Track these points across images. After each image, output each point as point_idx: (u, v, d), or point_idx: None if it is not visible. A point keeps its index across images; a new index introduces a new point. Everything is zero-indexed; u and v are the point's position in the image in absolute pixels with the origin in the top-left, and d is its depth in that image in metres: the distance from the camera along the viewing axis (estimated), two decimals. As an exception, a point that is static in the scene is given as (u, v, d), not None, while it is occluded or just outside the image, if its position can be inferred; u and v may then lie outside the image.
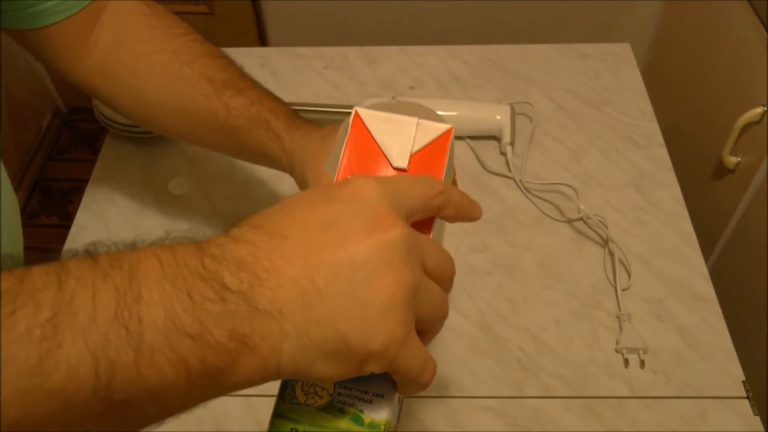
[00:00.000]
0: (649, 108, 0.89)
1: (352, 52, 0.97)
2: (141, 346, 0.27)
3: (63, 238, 0.76)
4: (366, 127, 0.40)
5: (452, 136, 0.41)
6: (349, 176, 0.35)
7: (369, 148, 0.40)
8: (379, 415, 0.36)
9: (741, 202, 0.98)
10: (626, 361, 0.65)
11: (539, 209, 0.78)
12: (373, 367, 0.32)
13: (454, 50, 0.97)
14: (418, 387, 0.34)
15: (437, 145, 0.40)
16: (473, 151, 0.84)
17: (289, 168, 0.56)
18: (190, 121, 0.58)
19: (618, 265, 0.71)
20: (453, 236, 0.75)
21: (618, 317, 0.68)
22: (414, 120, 0.40)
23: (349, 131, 0.40)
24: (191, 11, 1.59)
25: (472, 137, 0.85)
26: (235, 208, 0.78)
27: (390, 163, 0.40)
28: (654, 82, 1.14)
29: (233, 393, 0.31)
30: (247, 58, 0.96)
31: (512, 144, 0.82)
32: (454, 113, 0.85)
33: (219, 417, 0.62)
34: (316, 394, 0.36)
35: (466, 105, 0.86)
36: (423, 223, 0.37)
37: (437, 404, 0.63)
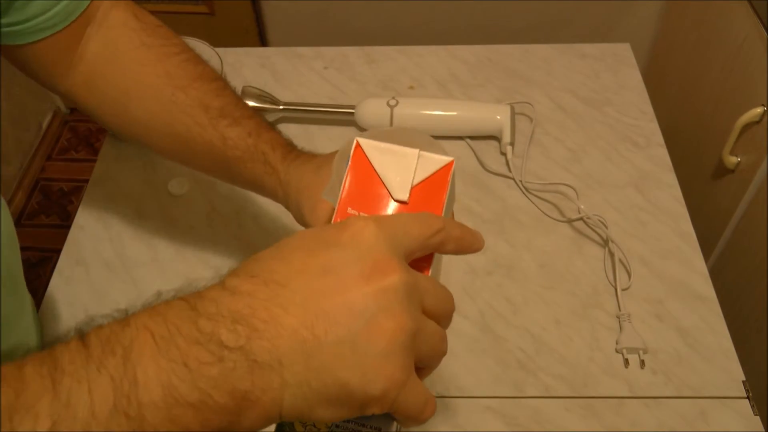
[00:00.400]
0: (649, 108, 0.89)
1: (352, 52, 0.97)
2: (143, 427, 0.28)
3: (63, 238, 0.76)
4: (367, 157, 0.40)
5: (453, 168, 0.41)
6: (348, 217, 0.35)
7: (370, 179, 0.40)
8: None
9: (741, 202, 0.98)
10: (626, 361, 0.65)
11: (539, 209, 0.78)
12: (374, 410, 0.32)
13: (454, 50, 0.97)
14: (418, 423, 0.35)
15: (438, 177, 0.40)
16: (473, 151, 0.84)
17: (284, 199, 0.56)
18: (183, 147, 0.57)
19: (618, 265, 0.71)
20: (453, 236, 0.75)
21: (618, 317, 0.68)
22: (416, 152, 0.40)
23: (350, 162, 0.40)
24: (191, 11, 1.59)
25: (472, 137, 0.85)
26: (235, 208, 0.78)
27: (391, 195, 0.40)
28: (654, 82, 1.14)
29: None
30: (247, 58, 0.96)
31: (512, 144, 0.82)
32: (454, 113, 0.85)
33: None
34: (314, 426, 0.37)
35: (466, 105, 0.86)
36: (423, 259, 0.37)
37: (437, 404, 0.63)
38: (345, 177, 0.40)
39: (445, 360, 0.66)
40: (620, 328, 0.67)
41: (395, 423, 0.37)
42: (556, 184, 0.79)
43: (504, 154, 0.83)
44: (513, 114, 0.84)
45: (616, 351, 0.66)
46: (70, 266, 0.74)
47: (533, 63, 0.95)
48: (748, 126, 0.94)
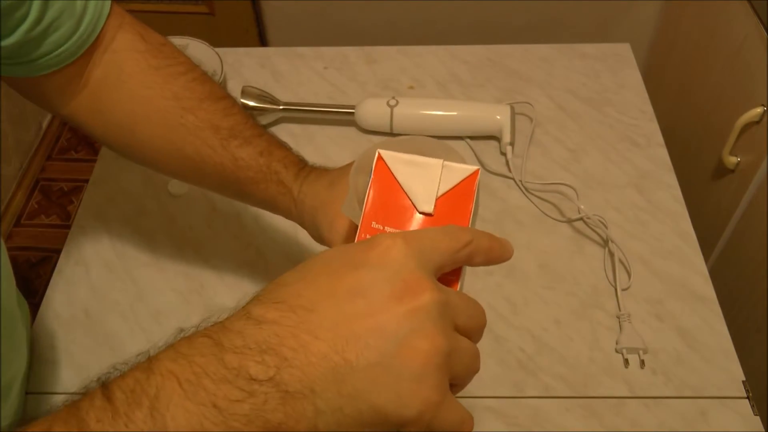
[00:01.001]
0: (648, 108, 0.89)
1: (352, 52, 0.97)
2: None
3: (63, 238, 0.76)
4: (390, 169, 0.39)
5: (479, 177, 0.39)
6: (374, 235, 0.34)
7: (393, 191, 0.39)
8: None
9: (741, 202, 0.98)
10: (626, 361, 0.65)
11: (539, 209, 0.78)
12: (411, 429, 0.31)
13: (454, 50, 0.97)
14: None
15: (464, 187, 0.39)
16: (473, 151, 0.84)
17: (298, 218, 0.55)
18: (193, 169, 0.57)
19: (618, 265, 0.71)
20: (453, 236, 0.75)
21: (618, 317, 0.68)
22: (439, 162, 0.39)
23: (372, 174, 0.39)
24: (191, 11, 1.59)
25: (472, 137, 0.85)
26: (236, 208, 0.78)
27: (415, 207, 0.39)
28: (654, 82, 1.14)
29: None
30: (247, 58, 0.96)
31: (512, 144, 0.82)
32: (454, 113, 0.85)
33: None
34: None
35: (466, 105, 0.86)
36: (451, 273, 0.36)
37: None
38: (368, 190, 0.39)
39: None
40: (620, 328, 0.67)
41: None
42: (556, 184, 0.79)
43: (504, 154, 0.83)
44: (513, 114, 0.84)
45: (616, 351, 0.66)
46: (70, 266, 0.74)
47: (533, 63, 0.95)
48: (748, 126, 0.94)
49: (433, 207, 0.39)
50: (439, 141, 0.45)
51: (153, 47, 0.55)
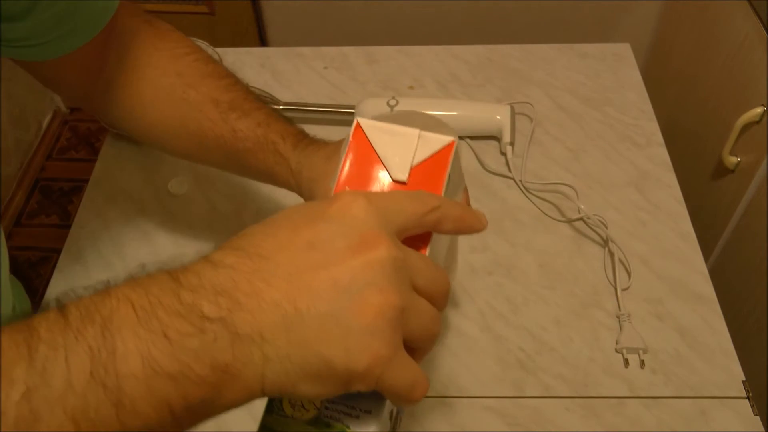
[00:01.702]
0: (648, 108, 0.89)
1: (352, 52, 0.97)
2: (121, 400, 0.27)
3: (63, 238, 0.76)
4: (367, 138, 0.40)
5: (455, 148, 0.40)
6: (337, 192, 0.34)
7: (369, 159, 0.39)
8: (367, 430, 0.35)
9: (741, 202, 0.98)
10: (626, 361, 0.65)
11: (539, 209, 0.78)
12: (359, 387, 0.31)
13: (454, 50, 0.97)
14: (408, 403, 0.34)
15: (439, 157, 0.39)
16: (473, 151, 0.84)
17: (297, 189, 0.55)
18: (196, 144, 0.58)
19: (618, 265, 0.71)
20: (453, 236, 0.75)
21: (618, 317, 0.68)
22: (416, 132, 0.39)
23: (349, 142, 0.40)
24: (191, 11, 1.59)
25: (472, 137, 0.85)
26: (235, 208, 0.78)
27: (390, 176, 0.39)
28: (654, 82, 1.14)
29: None
30: (247, 58, 0.96)
31: (512, 144, 0.82)
32: (454, 113, 0.85)
33: (219, 417, 0.62)
34: (303, 407, 0.36)
35: (466, 105, 0.86)
36: (420, 238, 0.36)
37: (437, 404, 0.63)
38: (344, 157, 0.39)
39: (445, 360, 0.66)
40: (620, 328, 0.67)
41: (386, 405, 0.36)
42: (556, 184, 0.79)
43: (504, 154, 0.83)
44: (513, 114, 0.84)
45: (616, 351, 0.66)
46: (70, 266, 0.74)
47: (533, 63, 0.95)
48: (748, 126, 0.94)
49: (407, 176, 0.39)
50: (435, 117, 0.45)
51: (160, 32, 0.57)
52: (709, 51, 1.12)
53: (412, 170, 0.39)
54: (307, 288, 0.30)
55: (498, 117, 0.83)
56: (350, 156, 0.40)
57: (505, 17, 1.43)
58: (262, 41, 1.55)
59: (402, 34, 1.46)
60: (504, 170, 0.82)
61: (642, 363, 0.65)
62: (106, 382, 0.27)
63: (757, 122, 0.93)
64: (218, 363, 0.29)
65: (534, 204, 0.78)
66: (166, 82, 0.56)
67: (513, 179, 0.80)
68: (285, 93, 0.90)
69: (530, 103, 0.87)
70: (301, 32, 1.50)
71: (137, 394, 0.27)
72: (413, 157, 0.39)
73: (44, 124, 1.95)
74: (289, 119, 0.59)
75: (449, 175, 0.39)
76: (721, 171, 1.04)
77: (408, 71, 0.94)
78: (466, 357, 0.66)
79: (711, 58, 1.11)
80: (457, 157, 0.40)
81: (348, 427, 0.35)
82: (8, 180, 1.80)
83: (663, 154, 0.83)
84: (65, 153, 1.94)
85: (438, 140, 0.39)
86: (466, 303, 0.70)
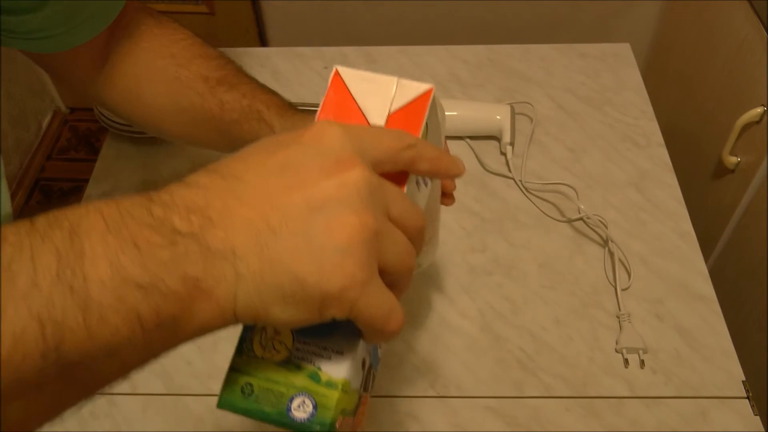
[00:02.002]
0: (649, 108, 0.89)
1: (352, 52, 0.97)
2: (88, 304, 0.26)
3: (63, 238, 0.76)
4: (345, 85, 0.39)
5: (433, 95, 0.39)
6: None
7: (347, 106, 0.39)
8: (338, 373, 0.34)
9: (741, 202, 0.98)
10: (626, 361, 0.65)
11: (539, 209, 0.78)
12: (333, 312, 0.31)
13: (454, 50, 0.97)
14: (383, 336, 0.33)
15: (417, 104, 0.39)
16: (473, 151, 0.84)
17: None
18: (188, 121, 0.59)
19: (618, 265, 0.71)
20: (452, 236, 0.75)
21: (618, 317, 0.68)
22: (394, 79, 0.39)
23: (328, 89, 0.39)
24: (191, 11, 1.59)
25: (472, 137, 0.85)
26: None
27: (367, 122, 0.39)
28: (654, 82, 1.14)
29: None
30: (247, 58, 0.96)
31: (512, 144, 0.82)
32: (454, 113, 0.85)
33: (219, 417, 0.62)
34: (274, 348, 0.35)
35: (466, 105, 0.86)
36: (395, 178, 0.36)
37: (437, 404, 0.63)
38: (322, 104, 0.39)
39: (445, 360, 0.66)
40: (620, 327, 0.67)
41: (359, 346, 0.35)
42: (556, 184, 0.79)
43: (504, 154, 0.83)
44: (513, 114, 0.84)
45: (616, 351, 0.66)
46: (70, 266, 0.74)
47: (533, 63, 0.95)
48: (748, 126, 0.94)
49: (384, 122, 0.39)
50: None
51: (160, 21, 0.59)
52: (709, 51, 1.12)
53: (390, 117, 0.39)
54: (280, 207, 0.30)
55: (498, 117, 0.83)
56: (327, 102, 0.39)
57: (505, 17, 1.43)
58: (262, 41, 1.55)
59: (402, 34, 1.46)
60: (504, 170, 0.82)
61: (642, 363, 0.65)
62: (73, 284, 0.26)
63: (757, 122, 0.93)
64: (189, 276, 0.28)
65: (534, 204, 0.78)
66: (161, 63, 0.58)
67: (513, 179, 0.80)
68: (285, 93, 0.89)
69: (530, 103, 0.87)
70: (301, 32, 1.50)
71: (105, 302, 0.27)
72: (391, 104, 0.39)
73: (44, 124, 1.95)
74: (276, 93, 0.60)
75: (426, 123, 0.39)
76: (721, 171, 1.04)
77: (408, 71, 0.94)
78: (466, 357, 0.66)
79: (711, 58, 1.11)
80: (434, 106, 0.40)
81: (319, 369, 0.34)
82: (8, 180, 1.79)
83: (663, 154, 0.83)
84: (65, 153, 1.94)
85: (416, 87, 0.39)
86: (466, 303, 0.70)
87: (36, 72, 1.86)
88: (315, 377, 0.34)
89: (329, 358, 0.35)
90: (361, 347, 0.36)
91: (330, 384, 0.34)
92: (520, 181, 0.80)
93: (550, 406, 0.62)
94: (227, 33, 1.58)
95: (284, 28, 1.51)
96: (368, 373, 0.38)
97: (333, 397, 0.34)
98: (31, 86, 1.87)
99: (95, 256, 0.27)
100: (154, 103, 0.59)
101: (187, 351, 0.67)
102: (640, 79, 0.93)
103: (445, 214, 0.77)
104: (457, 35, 1.44)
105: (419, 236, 0.35)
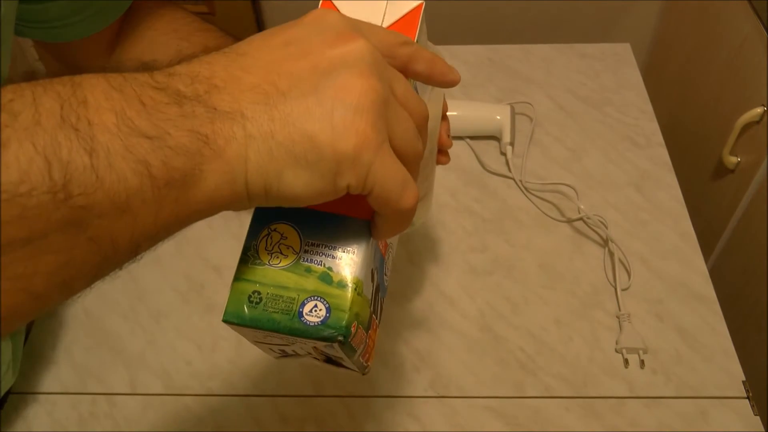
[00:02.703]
0: (649, 108, 0.89)
1: (352, 52, 0.97)
2: (95, 148, 0.25)
3: (63, 238, 0.76)
4: (334, 6, 0.39)
5: (422, 9, 0.39)
6: None
7: None
8: (350, 272, 0.33)
9: (741, 202, 0.98)
10: (626, 361, 0.65)
11: (539, 209, 0.78)
12: (348, 178, 0.29)
13: (454, 50, 0.97)
14: (399, 214, 0.32)
15: (408, 20, 0.39)
16: (473, 151, 0.84)
17: None
18: None
19: (618, 265, 0.71)
20: (453, 236, 0.75)
21: (618, 317, 0.68)
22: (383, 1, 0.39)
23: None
24: (191, 11, 1.59)
25: (472, 137, 0.85)
26: (235, 208, 0.78)
27: None
28: (654, 82, 1.14)
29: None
30: (247, 58, 0.96)
31: (512, 144, 0.82)
32: (454, 113, 0.85)
33: (219, 417, 0.62)
34: (281, 253, 0.34)
35: (466, 105, 0.86)
36: None
37: (437, 404, 0.63)
38: None
39: (445, 360, 0.66)
40: (620, 328, 0.67)
41: (370, 242, 0.34)
42: (556, 184, 0.79)
43: (504, 154, 0.83)
44: (513, 114, 0.84)
45: (616, 351, 0.66)
46: (70, 266, 0.74)
47: (533, 63, 0.95)
48: (748, 126, 0.94)
49: None
50: None
51: (165, 4, 0.61)
52: (709, 51, 1.12)
53: None
54: (287, 73, 0.29)
55: (498, 117, 0.83)
56: None
57: (505, 17, 1.43)
58: (262, 41, 1.55)
59: (402, 34, 1.45)
60: (504, 170, 0.82)
61: (642, 363, 0.65)
62: (78, 127, 0.25)
63: (757, 122, 0.93)
64: (198, 132, 0.27)
65: (534, 204, 0.78)
66: (163, 38, 0.59)
67: (513, 179, 0.80)
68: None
69: (530, 103, 0.87)
70: (301, 32, 1.50)
71: (112, 147, 0.25)
72: (382, 21, 0.39)
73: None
74: None
75: (417, 38, 0.39)
76: (721, 171, 1.04)
77: (408, 71, 0.94)
78: (466, 357, 0.66)
79: (711, 58, 1.11)
80: (423, 22, 0.40)
81: (330, 270, 0.33)
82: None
83: (663, 154, 0.83)
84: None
85: (406, 4, 0.39)
86: (466, 303, 0.70)
87: (36, 72, 1.86)
88: (326, 278, 0.33)
89: (339, 258, 0.33)
90: (371, 248, 0.34)
91: (342, 284, 0.33)
92: (520, 181, 0.80)
93: (550, 406, 0.62)
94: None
95: (284, 28, 1.51)
96: (377, 292, 0.37)
97: (346, 297, 0.32)
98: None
99: (99, 106, 0.26)
100: None
101: (187, 351, 0.67)
102: (640, 79, 0.93)
103: (445, 214, 0.77)
104: (457, 35, 1.44)
105: (424, 125, 0.34)
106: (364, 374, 0.38)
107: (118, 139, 0.26)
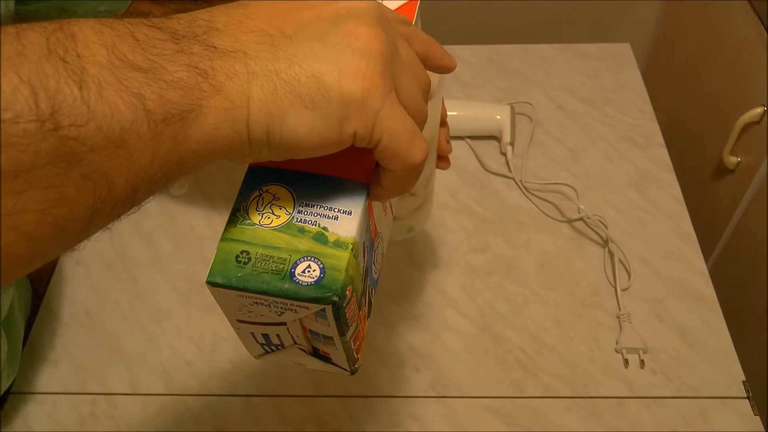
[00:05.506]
0: (649, 108, 0.89)
1: (352, 52, 0.97)
2: (84, 79, 0.23)
3: (63, 238, 0.76)
4: None
5: (418, 5, 0.39)
6: None
7: None
8: (347, 232, 0.31)
9: (741, 202, 0.98)
10: (626, 361, 0.65)
11: (539, 209, 0.78)
12: (355, 124, 0.28)
13: (454, 50, 0.97)
14: (407, 170, 0.31)
15: (404, 11, 0.39)
16: (473, 151, 0.84)
17: None
18: None
19: (618, 265, 0.71)
20: (453, 236, 0.75)
21: (618, 317, 0.68)
22: None
23: None
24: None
25: (472, 137, 0.85)
26: (235, 208, 0.78)
27: None
28: (654, 82, 1.14)
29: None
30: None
31: (512, 144, 0.82)
32: (454, 113, 0.85)
33: (219, 417, 0.62)
34: (272, 213, 0.32)
35: (466, 105, 0.86)
36: None
37: (437, 404, 0.63)
38: None
39: (444, 360, 0.66)
40: (620, 328, 0.67)
41: (366, 204, 0.32)
42: (556, 184, 0.79)
43: (504, 154, 0.83)
44: (513, 114, 0.84)
45: (616, 351, 0.66)
46: (70, 266, 0.74)
47: (533, 63, 0.95)
48: (748, 126, 0.94)
49: None
50: None
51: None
52: (709, 51, 1.12)
53: None
54: (292, 20, 0.28)
55: (498, 117, 0.83)
56: None
57: (505, 17, 1.43)
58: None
59: (402, 34, 1.45)
60: (504, 170, 0.82)
61: (642, 363, 0.65)
62: (66, 59, 0.23)
63: (757, 122, 0.93)
64: (197, 67, 0.26)
65: (534, 204, 0.78)
66: None
67: (513, 179, 0.80)
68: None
69: (530, 103, 0.87)
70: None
71: (104, 79, 0.24)
72: None
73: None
74: None
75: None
76: (721, 171, 1.04)
77: (408, 71, 0.94)
78: (466, 357, 0.66)
79: (711, 58, 1.11)
80: (419, 17, 0.41)
81: (325, 230, 0.31)
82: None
83: (663, 154, 0.83)
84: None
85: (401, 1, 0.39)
86: (466, 303, 0.70)
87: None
88: (321, 238, 0.31)
89: (335, 218, 0.31)
90: (365, 216, 0.33)
91: (338, 244, 0.31)
92: (520, 181, 0.80)
93: (550, 406, 0.62)
94: (227, 33, 1.58)
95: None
96: (366, 275, 0.34)
97: (343, 257, 0.30)
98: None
99: (88, 41, 0.24)
100: None
101: (187, 351, 0.67)
102: (640, 79, 0.93)
103: (445, 214, 0.77)
104: (457, 35, 1.44)
105: (426, 89, 0.33)
106: (352, 373, 0.36)
107: (109, 72, 0.24)
